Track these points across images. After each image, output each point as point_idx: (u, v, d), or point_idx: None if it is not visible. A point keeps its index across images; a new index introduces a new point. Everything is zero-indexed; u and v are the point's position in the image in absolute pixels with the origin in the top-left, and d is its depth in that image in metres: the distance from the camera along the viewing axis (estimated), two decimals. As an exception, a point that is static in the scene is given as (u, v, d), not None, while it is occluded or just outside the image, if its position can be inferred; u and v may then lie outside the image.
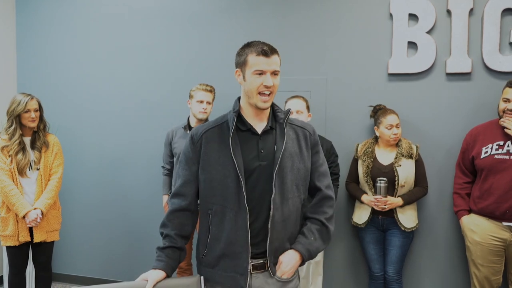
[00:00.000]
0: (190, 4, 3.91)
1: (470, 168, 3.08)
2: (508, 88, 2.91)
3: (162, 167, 3.65)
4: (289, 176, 1.84)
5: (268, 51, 1.78)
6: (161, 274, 1.76)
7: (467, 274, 3.36)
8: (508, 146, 2.88)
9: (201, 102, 3.37)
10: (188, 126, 3.48)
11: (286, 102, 3.29)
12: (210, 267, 1.85)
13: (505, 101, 2.91)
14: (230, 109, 1.91)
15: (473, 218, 3.03)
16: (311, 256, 1.87)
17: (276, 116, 1.91)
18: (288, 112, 1.93)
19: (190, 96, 3.43)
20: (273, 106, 1.93)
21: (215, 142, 1.85)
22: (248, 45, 1.84)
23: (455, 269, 3.45)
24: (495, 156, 2.90)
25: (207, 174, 1.84)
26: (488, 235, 2.90)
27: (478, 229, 2.95)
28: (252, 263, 1.81)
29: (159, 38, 3.99)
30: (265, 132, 1.87)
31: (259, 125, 1.88)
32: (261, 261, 1.82)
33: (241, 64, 1.84)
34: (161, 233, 1.86)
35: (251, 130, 1.86)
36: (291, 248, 1.86)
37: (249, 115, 1.87)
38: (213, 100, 3.46)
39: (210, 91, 3.43)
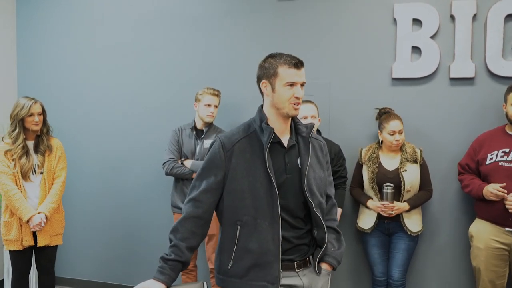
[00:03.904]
0: (192, 7, 3.91)
1: (476, 172, 3.09)
2: None
3: (170, 159, 3.44)
4: (315, 187, 1.92)
5: (299, 63, 1.86)
6: (162, 287, 1.78)
7: (471, 278, 3.38)
8: None
9: (209, 105, 3.39)
10: (195, 128, 3.48)
11: None
12: (238, 278, 1.87)
13: None
14: (249, 115, 1.98)
15: (477, 224, 3.05)
16: (339, 262, 2.01)
17: (297, 129, 1.97)
18: (312, 126, 1.99)
19: (197, 100, 3.43)
20: (293, 118, 1.96)
21: (248, 153, 1.87)
22: (274, 57, 1.88)
23: (459, 273, 3.46)
24: (500, 163, 2.91)
25: (237, 185, 1.86)
26: (491, 240, 2.91)
27: (482, 234, 2.96)
28: (296, 261, 1.90)
29: (161, 41, 3.99)
30: (290, 145, 1.92)
31: (284, 138, 1.93)
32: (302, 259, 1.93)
33: (269, 75, 1.86)
34: (170, 240, 1.87)
35: (279, 143, 1.90)
36: (324, 262, 1.98)
37: (276, 127, 1.90)
38: (219, 103, 3.48)
39: (217, 95, 3.45)
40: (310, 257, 1.95)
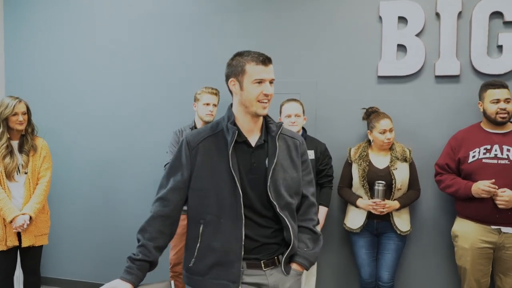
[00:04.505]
0: (182, 7, 3.90)
1: (456, 171, 3.08)
2: (492, 90, 2.95)
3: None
4: (283, 188, 1.89)
5: (266, 60, 1.83)
6: (129, 287, 1.78)
7: (458, 277, 3.38)
8: (495, 150, 2.89)
9: (208, 104, 3.38)
10: (195, 128, 3.47)
11: (282, 105, 3.28)
12: (200, 276, 1.86)
13: (495, 102, 2.93)
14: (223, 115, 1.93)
15: (461, 224, 3.03)
16: (312, 263, 1.98)
17: (268, 128, 1.94)
18: (281, 125, 1.96)
19: (196, 99, 3.43)
20: (265, 116, 1.95)
21: (213, 151, 1.86)
22: (242, 55, 1.86)
23: (447, 273, 3.45)
24: (483, 160, 2.91)
25: (202, 184, 1.85)
26: (477, 240, 2.90)
27: (467, 234, 2.95)
28: (263, 260, 1.87)
29: (150, 41, 3.97)
30: (258, 145, 1.90)
31: (253, 137, 1.91)
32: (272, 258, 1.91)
33: (237, 73, 1.84)
34: (138, 240, 1.87)
35: (246, 142, 1.89)
36: (294, 262, 1.94)
37: (244, 126, 1.89)
38: (218, 102, 3.47)
39: (216, 94, 3.45)
40: (280, 256, 1.92)
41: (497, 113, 2.92)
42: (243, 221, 1.82)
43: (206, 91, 3.40)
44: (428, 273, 3.49)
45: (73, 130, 4.19)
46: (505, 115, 2.91)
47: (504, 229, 2.84)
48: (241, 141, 1.87)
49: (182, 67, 3.91)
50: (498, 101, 2.92)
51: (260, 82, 1.82)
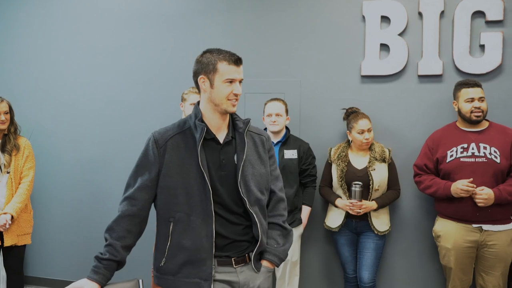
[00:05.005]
0: (167, 6, 3.89)
1: (434, 172, 3.08)
2: (466, 89, 2.96)
3: None
4: (252, 184, 1.90)
5: (238, 60, 1.85)
6: (95, 287, 1.77)
7: (441, 276, 3.39)
8: (472, 148, 2.90)
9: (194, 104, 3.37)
10: None
11: (265, 104, 3.29)
12: (171, 275, 1.86)
13: (469, 101, 2.94)
14: None
15: (442, 223, 3.03)
16: (282, 259, 1.98)
17: (235, 125, 1.95)
18: (248, 122, 1.97)
19: (183, 99, 3.42)
20: (231, 113, 1.96)
21: (181, 149, 1.86)
22: (213, 52, 1.87)
23: (429, 272, 3.45)
24: (461, 159, 2.91)
25: (170, 182, 1.85)
26: (460, 240, 2.89)
27: (449, 234, 2.95)
28: (234, 258, 1.88)
29: (136, 40, 3.97)
30: (226, 142, 1.91)
31: (221, 134, 1.92)
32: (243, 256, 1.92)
33: (208, 71, 1.84)
34: (105, 239, 1.85)
35: (214, 139, 1.89)
36: (264, 259, 1.95)
37: (212, 123, 1.90)
38: None
39: None
40: (250, 253, 1.93)
41: (471, 112, 2.93)
42: (214, 218, 1.82)
43: (193, 91, 3.38)
44: (410, 272, 3.49)
45: (59, 128, 4.17)
46: (480, 114, 2.92)
47: (485, 226, 2.85)
48: (210, 138, 1.88)
49: (169, 67, 3.90)
50: (472, 100, 2.93)
51: (231, 81, 1.84)
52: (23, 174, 3.30)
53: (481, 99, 2.93)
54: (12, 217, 3.14)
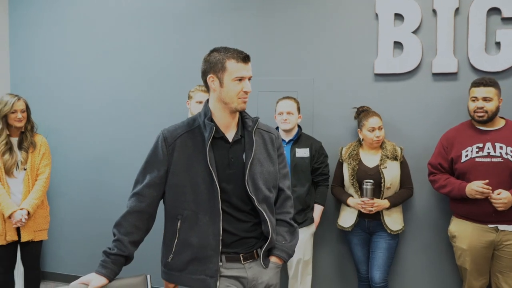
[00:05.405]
0: (175, 5, 3.92)
1: (449, 171, 3.04)
2: (473, 88, 2.91)
3: None
4: (261, 182, 1.91)
5: (246, 58, 1.86)
6: (103, 281, 1.80)
7: (457, 276, 3.34)
8: (488, 148, 2.84)
9: (201, 102, 3.39)
10: None
11: (277, 102, 3.29)
12: (177, 271, 1.89)
13: (473, 100, 2.90)
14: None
15: (457, 223, 2.99)
16: (290, 255, 2.01)
17: (244, 123, 1.96)
18: (257, 120, 1.98)
19: (189, 97, 3.45)
20: (241, 111, 1.96)
21: (190, 148, 1.88)
22: (220, 51, 1.87)
23: (443, 272, 3.41)
24: (477, 159, 2.86)
25: (178, 180, 1.87)
26: (475, 241, 2.85)
27: (465, 234, 2.90)
28: (242, 254, 1.89)
29: (143, 39, 4.01)
30: (235, 140, 1.92)
31: (230, 133, 1.93)
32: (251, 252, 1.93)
33: (216, 70, 1.85)
34: (113, 234, 1.89)
35: (223, 138, 1.90)
36: (273, 255, 1.97)
37: (221, 122, 1.91)
38: None
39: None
40: (258, 250, 1.94)
41: (474, 111, 2.89)
42: (221, 216, 1.84)
43: (200, 89, 3.41)
44: (425, 272, 3.45)
45: (73, 126, 4.24)
46: (482, 114, 2.86)
47: (501, 226, 2.80)
48: (218, 137, 1.89)
49: (177, 65, 3.93)
50: (476, 99, 2.87)
51: (241, 79, 1.85)
52: (39, 171, 3.36)
53: (486, 99, 2.85)
54: (28, 213, 3.20)
